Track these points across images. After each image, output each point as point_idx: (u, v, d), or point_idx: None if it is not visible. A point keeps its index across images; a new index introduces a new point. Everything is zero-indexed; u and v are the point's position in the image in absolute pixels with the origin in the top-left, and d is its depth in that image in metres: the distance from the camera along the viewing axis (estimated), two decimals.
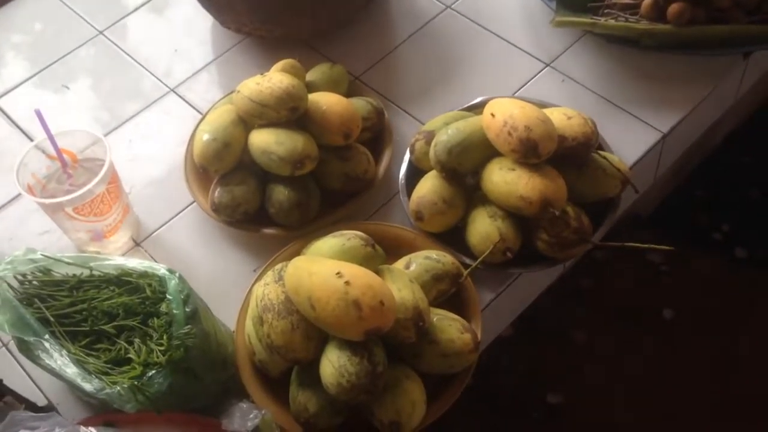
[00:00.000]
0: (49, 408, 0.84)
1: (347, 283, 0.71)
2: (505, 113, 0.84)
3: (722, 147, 1.78)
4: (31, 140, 1.06)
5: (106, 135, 1.08)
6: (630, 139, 0.98)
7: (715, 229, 1.71)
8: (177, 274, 0.76)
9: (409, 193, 0.93)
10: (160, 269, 0.75)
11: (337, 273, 0.72)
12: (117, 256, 0.94)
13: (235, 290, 0.90)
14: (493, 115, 0.85)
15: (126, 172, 1.03)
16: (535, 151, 0.82)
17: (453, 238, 0.89)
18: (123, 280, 0.78)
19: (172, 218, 0.98)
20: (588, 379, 1.44)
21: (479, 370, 0.79)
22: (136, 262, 0.77)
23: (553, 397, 1.40)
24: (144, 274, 0.77)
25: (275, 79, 0.91)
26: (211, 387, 0.78)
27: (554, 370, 1.45)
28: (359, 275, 0.73)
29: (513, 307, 0.94)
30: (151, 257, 0.95)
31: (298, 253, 0.88)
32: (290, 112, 0.90)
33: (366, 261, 0.79)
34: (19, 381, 0.86)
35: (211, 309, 0.89)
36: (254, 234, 0.93)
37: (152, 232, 0.97)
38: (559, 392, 1.41)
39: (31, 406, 0.83)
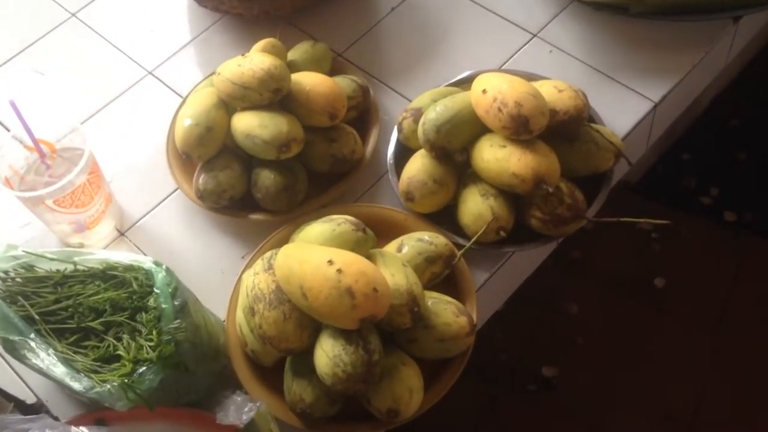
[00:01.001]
0: (39, 406, 0.82)
1: (339, 270, 0.70)
2: (494, 89, 0.82)
3: (709, 110, 1.77)
4: (7, 130, 1.03)
5: (84, 122, 1.05)
6: (621, 110, 0.96)
7: (704, 193, 1.70)
8: (164, 267, 0.74)
9: (398, 173, 0.91)
10: (146, 262, 0.73)
11: (329, 261, 0.71)
12: (101, 248, 0.92)
13: (224, 278, 0.88)
14: (484, 91, 0.83)
15: (106, 160, 1.00)
16: (527, 127, 0.80)
17: (444, 217, 0.88)
18: (108, 275, 0.76)
19: (157, 206, 0.96)
20: (582, 350, 1.44)
21: (474, 346, 0.78)
22: (121, 256, 0.75)
23: (548, 369, 1.40)
24: (130, 268, 0.75)
25: (256, 60, 0.88)
26: (203, 380, 0.77)
27: (548, 343, 1.45)
28: (351, 262, 0.71)
29: (508, 285, 0.93)
30: (137, 247, 0.93)
31: (287, 238, 0.86)
32: (273, 94, 0.88)
33: (357, 246, 0.77)
34: (7, 379, 0.84)
35: (200, 298, 0.87)
36: (241, 220, 0.91)
37: (137, 221, 0.95)
38: (553, 365, 1.41)
39: (20, 405, 0.81)
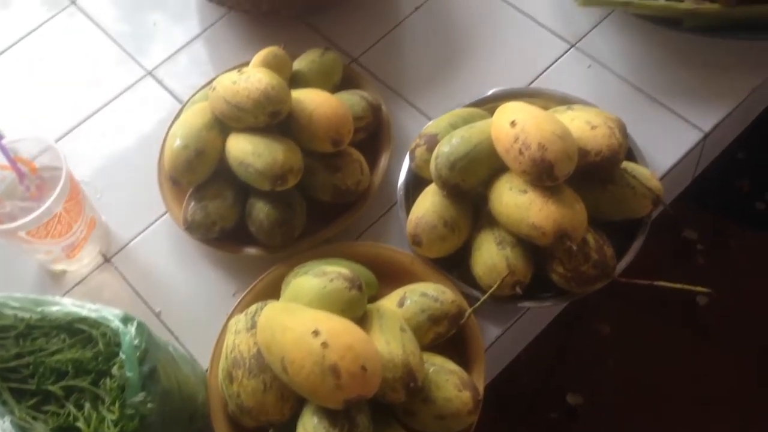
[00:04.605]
0: None
1: (324, 344, 0.61)
2: (516, 125, 0.72)
3: None
4: None
5: (77, 126, 0.97)
6: (665, 139, 0.85)
7: (758, 198, 1.57)
8: (135, 323, 0.66)
9: (408, 207, 0.82)
10: (114, 320, 0.66)
11: (314, 331, 0.62)
12: (84, 275, 0.86)
13: (212, 317, 0.80)
14: (513, 123, 0.72)
15: (97, 172, 0.93)
16: (551, 173, 0.70)
17: (456, 261, 0.79)
18: (75, 328, 0.68)
19: (146, 229, 0.88)
20: (611, 376, 1.33)
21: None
22: (88, 309, 0.68)
23: (572, 397, 1.31)
24: (97, 323, 0.67)
25: (253, 78, 0.79)
26: None
27: (575, 367, 1.35)
28: (339, 333, 0.63)
29: (522, 340, 0.84)
30: (122, 276, 0.85)
31: (281, 278, 0.79)
32: (270, 117, 0.79)
33: (350, 306, 0.69)
34: None
35: (184, 339, 0.81)
36: (234, 254, 0.83)
37: (125, 245, 0.88)
38: (579, 392, 1.32)
39: None
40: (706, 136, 0.85)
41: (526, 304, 0.76)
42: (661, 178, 0.82)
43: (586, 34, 0.93)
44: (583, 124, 0.75)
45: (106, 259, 0.87)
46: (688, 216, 1.50)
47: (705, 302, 1.39)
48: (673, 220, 0.80)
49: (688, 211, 1.49)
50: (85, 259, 0.85)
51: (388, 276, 0.79)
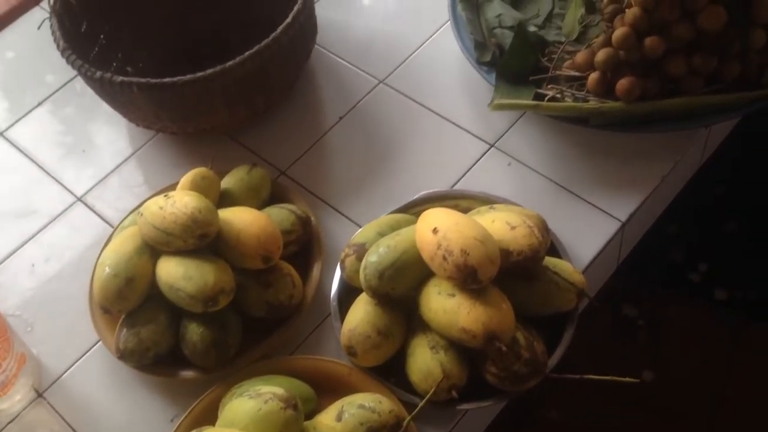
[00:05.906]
0: None
1: None
2: (438, 232, 0.74)
3: (693, 177, 1.68)
4: None
5: (6, 259, 0.96)
6: (586, 231, 0.88)
7: (692, 269, 1.61)
8: None
9: (342, 316, 0.82)
10: None
11: None
12: (15, 413, 0.83)
13: None
14: (435, 230, 0.74)
15: (27, 304, 0.92)
16: (475, 277, 0.72)
17: (393, 367, 0.79)
18: None
19: (79, 359, 0.87)
20: None
21: None
22: None
23: None
24: None
25: (179, 202, 0.80)
26: None
27: None
28: None
29: None
30: (56, 410, 0.83)
31: (218, 399, 0.78)
32: (198, 240, 0.80)
33: (286, 428, 0.68)
34: None
35: None
36: (170, 378, 0.82)
37: (57, 378, 0.86)
38: None
39: None
40: (624, 224, 0.88)
41: (465, 406, 0.77)
42: (585, 269, 0.85)
43: (503, 134, 0.97)
44: (504, 225, 0.77)
45: (39, 394, 0.85)
46: (626, 293, 1.53)
47: (651, 378, 1.41)
48: (603, 306, 0.82)
49: (626, 288, 1.53)
50: (17, 396, 0.83)
51: (327, 388, 0.79)
